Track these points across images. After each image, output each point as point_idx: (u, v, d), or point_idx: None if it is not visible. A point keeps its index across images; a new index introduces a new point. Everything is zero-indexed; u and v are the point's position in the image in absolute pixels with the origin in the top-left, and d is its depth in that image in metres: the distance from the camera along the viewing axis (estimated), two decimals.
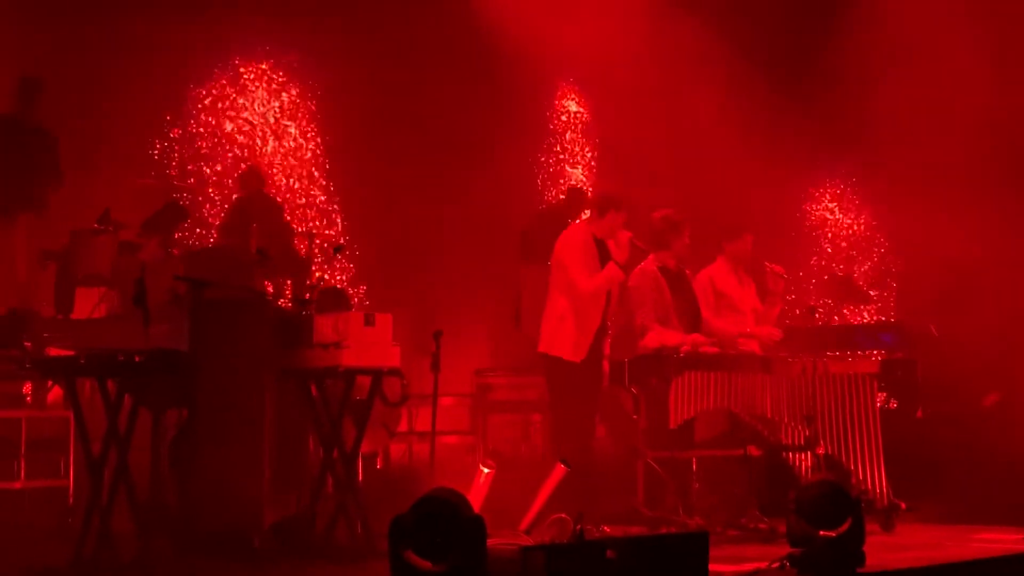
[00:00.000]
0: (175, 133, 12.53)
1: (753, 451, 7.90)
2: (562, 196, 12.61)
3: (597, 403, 7.95)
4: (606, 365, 8.05)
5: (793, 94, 12.37)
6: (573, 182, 13.21)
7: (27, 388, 9.18)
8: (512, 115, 12.69)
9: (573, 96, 13.61)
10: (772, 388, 7.94)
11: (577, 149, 13.68)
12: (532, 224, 11.27)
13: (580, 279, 7.79)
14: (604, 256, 8.00)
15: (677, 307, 8.19)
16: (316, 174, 13.16)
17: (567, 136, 13.66)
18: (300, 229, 12.08)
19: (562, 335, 7.70)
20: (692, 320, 8.28)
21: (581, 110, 13.62)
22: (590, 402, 7.82)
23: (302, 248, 11.12)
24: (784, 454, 8.11)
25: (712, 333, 8.31)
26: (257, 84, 13.14)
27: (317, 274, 10.91)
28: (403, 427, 9.90)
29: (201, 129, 12.85)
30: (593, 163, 13.69)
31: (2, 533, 7.28)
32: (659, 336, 7.92)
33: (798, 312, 11.57)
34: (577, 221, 8.33)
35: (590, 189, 12.58)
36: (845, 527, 5.91)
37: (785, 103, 12.18)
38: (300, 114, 13.22)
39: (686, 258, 8.42)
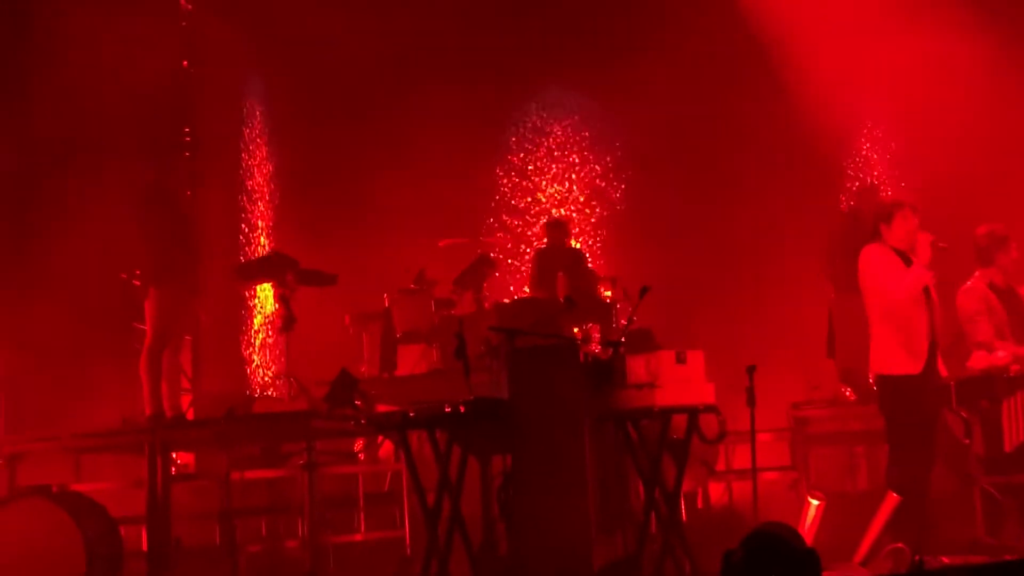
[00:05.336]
0: (478, 190, 13.01)
1: None
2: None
3: (938, 424, 7.52)
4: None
5: None
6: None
7: (358, 445, 9.67)
8: (810, 142, 12.43)
9: (870, 122, 13.18)
10: None
11: (880, 173, 13.24)
12: (837, 234, 10.93)
13: (890, 285, 7.34)
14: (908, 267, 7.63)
15: (1011, 324, 7.79)
16: (618, 216, 13.34)
17: (868, 160, 13.26)
18: (603, 274, 12.24)
19: (894, 351, 7.33)
20: None
21: (879, 135, 13.19)
22: (931, 422, 7.38)
23: (607, 292, 11.25)
24: None
25: None
26: (553, 135, 13.49)
27: (625, 318, 10.99)
28: (720, 465, 9.79)
29: (502, 184, 13.30)
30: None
31: None
32: (987, 355, 7.57)
33: None
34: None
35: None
36: None
37: None
38: (597, 159, 13.47)
39: (1014, 274, 8.00)
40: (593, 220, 13.45)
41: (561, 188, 13.55)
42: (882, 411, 7.39)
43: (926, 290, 7.32)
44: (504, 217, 13.38)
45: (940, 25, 11.35)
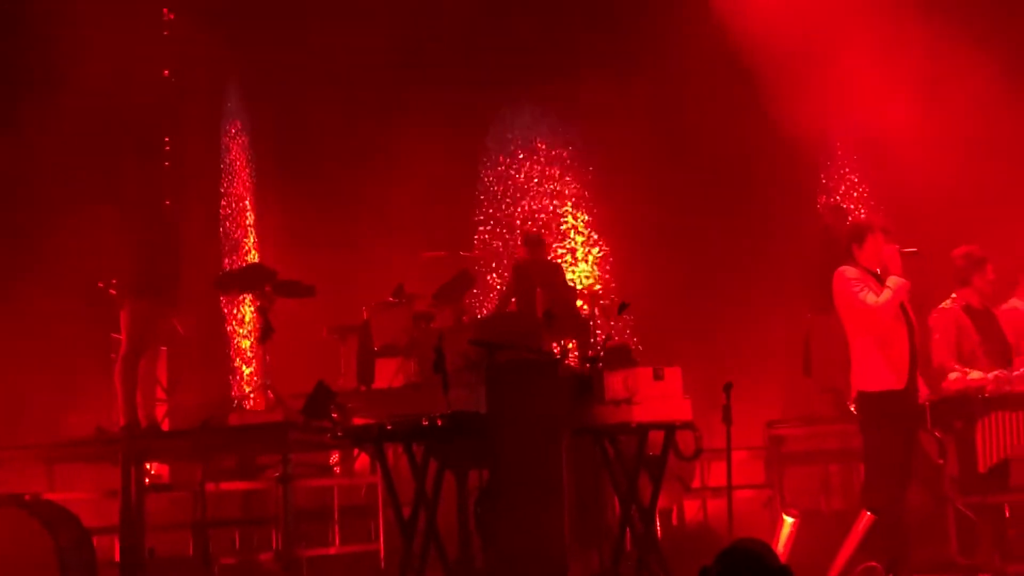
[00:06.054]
0: (460, 205, 13.03)
1: None
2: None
3: (916, 442, 7.55)
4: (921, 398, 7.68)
5: None
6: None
7: (334, 458, 9.65)
8: (796, 162, 12.49)
9: (853, 138, 13.25)
10: None
11: (862, 192, 13.31)
12: (811, 254, 10.96)
13: (867, 301, 7.38)
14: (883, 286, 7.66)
15: (985, 346, 7.84)
16: (597, 232, 13.37)
17: (851, 181, 13.32)
18: (582, 289, 12.27)
19: (876, 368, 7.35)
20: (1003, 359, 7.90)
21: (861, 152, 13.25)
22: (909, 442, 7.42)
23: (584, 308, 11.29)
24: None
25: None
26: (535, 149, 13.54)
27: (603, 333, 11.01)
28: (696, 482, 9.82)
29: (482, 198, 13.33)
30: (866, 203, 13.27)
31: None
32: (962, 376, 7.60)
33: None
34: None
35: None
36: None
37: None
38: (577, 175, 13.51)
39: (991, 295, 8.05)
40: (571, 235, 13.48)
41: (541, 203, 13.58)
42: (862, 429, 7.42)
43: (902, 306, 7.36)
44: (485, 233, 13.41)
45: (921, 44, 11.45)
